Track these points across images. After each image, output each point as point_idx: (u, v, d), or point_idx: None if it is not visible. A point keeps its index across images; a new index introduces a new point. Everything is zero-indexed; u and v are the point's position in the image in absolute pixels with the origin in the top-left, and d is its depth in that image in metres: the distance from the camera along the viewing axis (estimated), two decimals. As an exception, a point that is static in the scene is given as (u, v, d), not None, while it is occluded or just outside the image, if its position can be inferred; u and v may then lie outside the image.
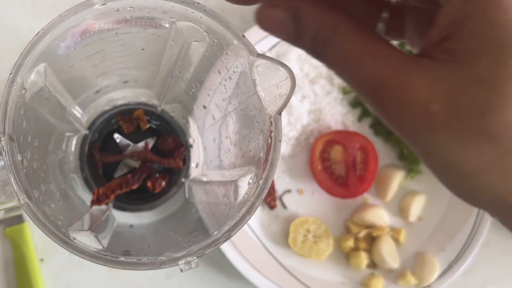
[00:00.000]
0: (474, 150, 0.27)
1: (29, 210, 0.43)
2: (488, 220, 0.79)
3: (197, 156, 0.68)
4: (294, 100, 0.79)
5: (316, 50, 0.32)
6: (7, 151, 0.43)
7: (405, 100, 0.27)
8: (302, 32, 0.31)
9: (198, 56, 0.54)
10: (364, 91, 0.29)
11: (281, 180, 0.81)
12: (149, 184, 0.66)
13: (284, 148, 0.80)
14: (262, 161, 0.46)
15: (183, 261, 0.43)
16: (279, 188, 0.80)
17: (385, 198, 0.81)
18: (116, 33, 0.52)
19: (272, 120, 0.45)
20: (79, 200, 0.65)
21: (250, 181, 0.48)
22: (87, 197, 0.66)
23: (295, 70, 0.80)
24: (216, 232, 0.45)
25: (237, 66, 0.50)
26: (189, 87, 0.63)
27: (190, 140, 0.68)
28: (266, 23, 0.32)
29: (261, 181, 0.45)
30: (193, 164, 0.68)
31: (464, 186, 0.29)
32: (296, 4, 0.31)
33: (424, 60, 0.28)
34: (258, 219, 0.78)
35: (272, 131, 0.45)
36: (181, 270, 0.43)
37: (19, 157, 0.46)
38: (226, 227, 0.45)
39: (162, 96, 0.66)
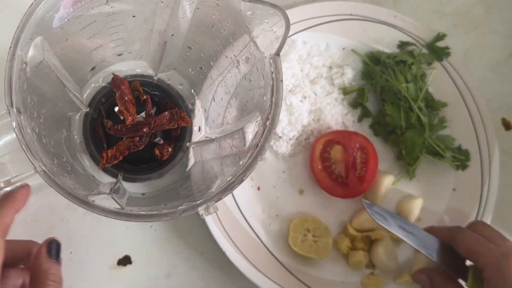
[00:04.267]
0: None
1: (47, 177, 0.44)
2: (488, 221, 0.80)
3: (198, 119, 0.69)
4: (294, 100, 0.79)
5: None
6: (18, 123, 0.44)
7: None
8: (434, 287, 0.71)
9: (190, 12, 0.54)
10: None
11: (281, 180, 0.81)
12: (157, 152, 0.67)
13: (285, 148, 0.80)
14: (266, 104, 0.47)
15: (202, 207, 0.44)
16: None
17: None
18: (107, 1, 0.53)
19: (271, 61, 0.46)
20: (89, 176, 0.66)
21: (256, 124, 0.49)
22: (96, 173, 0.66)
23: (296, 70, 0.81)
24: (229, 178, 0.46)
25: (228, 16, 0.51)
26: (183, 51, 0.64)
27: (189, 105, 0.69)
28: (417, 280, 0.73)
29: (268, 122, 0.46)
30: (195, 128, 0.68)
31: None
32: (432, 274, 0.71)
33: None
34: (258, 218, 0.79)
35: (272, 72, 0.46)
36: (201, 215, 0.44)
37: (28, 130, 0.46)
38: (240, 170, 0.46)
39: (157, 65, 0.67)
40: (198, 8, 0.53)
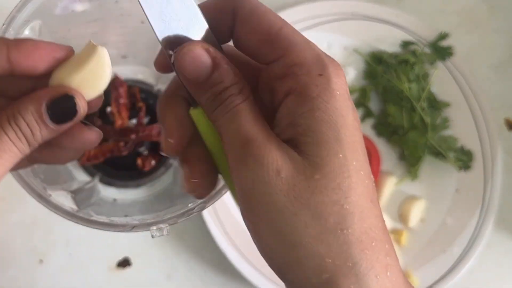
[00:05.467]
0: (302, 222, 0.31)
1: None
2: (491, 222, 0.78)
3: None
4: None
5: (213, 103, 0.33)
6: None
7: (264, 158, 0.31)
8: (212, 83, 0.33)
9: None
10: (235, 144, 0.33)
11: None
12: (139, 162, 0.66)
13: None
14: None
15: (154, 227, 0.43)
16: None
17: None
18: (116, 1, 0.53)
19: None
20: (66, 169, 0.65)
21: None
22: (74, 168, 0.66)
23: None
24: (191, 204, 0.45)
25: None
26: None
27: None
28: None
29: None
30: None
31: (292, 255, 0.32)
32: (219, 57, 0.33)
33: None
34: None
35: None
36: (152, 236, 0.43)
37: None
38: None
39: (159, 75, 0.66)
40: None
